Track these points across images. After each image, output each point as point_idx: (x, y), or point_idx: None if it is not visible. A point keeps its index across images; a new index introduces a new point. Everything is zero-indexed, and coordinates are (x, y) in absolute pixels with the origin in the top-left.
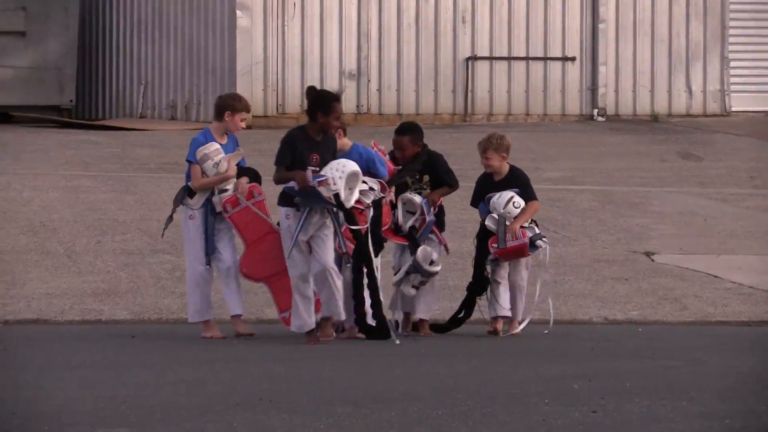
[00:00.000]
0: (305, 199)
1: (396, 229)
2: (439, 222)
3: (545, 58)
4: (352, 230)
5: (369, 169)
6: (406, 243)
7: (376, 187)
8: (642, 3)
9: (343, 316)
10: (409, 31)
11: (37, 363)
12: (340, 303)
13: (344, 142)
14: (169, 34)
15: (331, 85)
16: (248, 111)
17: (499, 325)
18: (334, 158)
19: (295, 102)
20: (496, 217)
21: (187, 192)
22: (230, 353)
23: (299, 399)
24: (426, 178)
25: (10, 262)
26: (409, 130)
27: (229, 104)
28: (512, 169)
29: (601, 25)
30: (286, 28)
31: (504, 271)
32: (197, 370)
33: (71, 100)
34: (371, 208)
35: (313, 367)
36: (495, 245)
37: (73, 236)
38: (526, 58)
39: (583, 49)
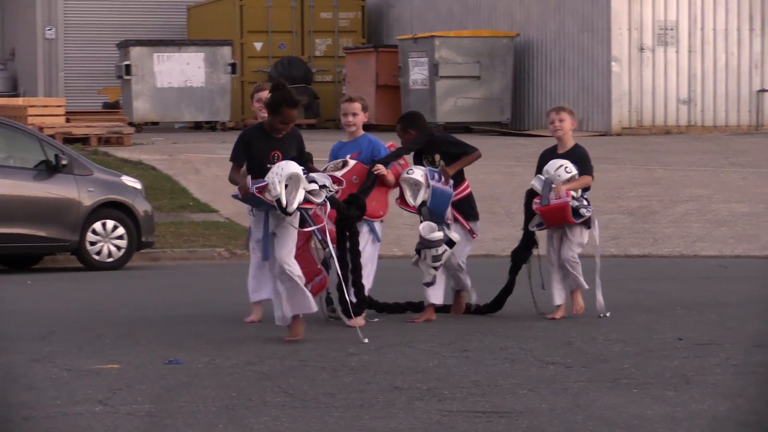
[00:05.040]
0: (252, 204)
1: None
2: (466, 211)
3: None
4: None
5: (373, 155)
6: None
7: (328, 182)
8: None
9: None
10: (721, 72)
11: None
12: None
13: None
14: (568, 74)
15: (669, 108)
16: (261, 91)
17: (558, 314)
18: (301, 153)
19: (648, 119)
20: (543, 178)
21: None
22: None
23: (650, 304)
24: (437, 157)
25: None
26: (401, 119)
27: (252, 93)
28: (576, 144)
29: None
30: (642, 72)
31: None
32: None
33: (508, 118)
34: (327, 204)
35: (665, 284)
36: (538, 201)
37: (510, 203)
38: None
39: None
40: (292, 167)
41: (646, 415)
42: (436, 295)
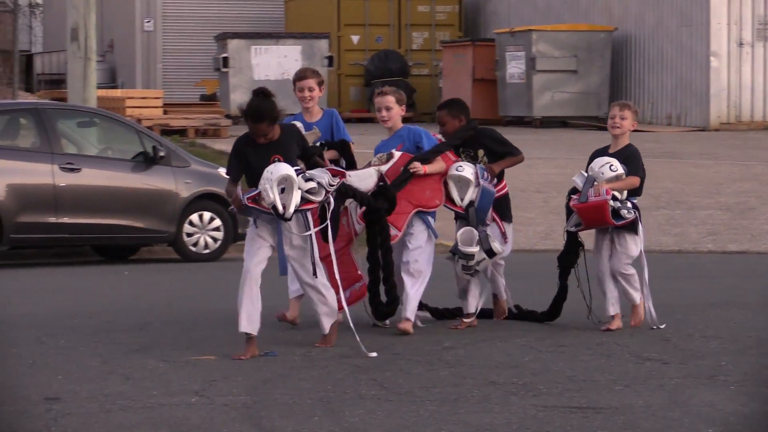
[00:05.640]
0: (249, 215)
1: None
2: (503, 211)
3: None
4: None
5: (416, 143)
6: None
7: (326, 179)
8: None
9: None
10: None
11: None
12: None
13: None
14: (666, 69)
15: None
16: (302, 79)
17: (614, 324)
18: (305, 149)
19: (746, 115)
20: (585, 174)
21: None
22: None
23: (748, 300)
24: (481, 152)
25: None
26: (446, 104)
27: (293, 80)
28: (629, 144)
29: None
30: (741, 68)
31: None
32: None
33: (605, 113)
34: (330, 202)
35: (763, 281)
36: (576, 198)
37: None
38: None
39: None
40: (282, 169)
41: (744, 413)
42: (471, 304)
